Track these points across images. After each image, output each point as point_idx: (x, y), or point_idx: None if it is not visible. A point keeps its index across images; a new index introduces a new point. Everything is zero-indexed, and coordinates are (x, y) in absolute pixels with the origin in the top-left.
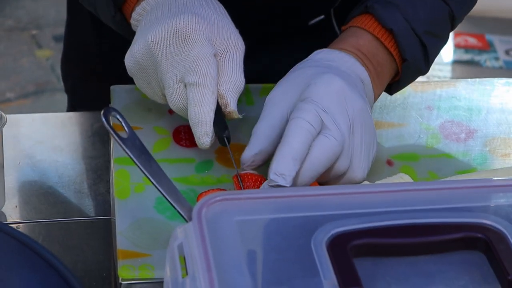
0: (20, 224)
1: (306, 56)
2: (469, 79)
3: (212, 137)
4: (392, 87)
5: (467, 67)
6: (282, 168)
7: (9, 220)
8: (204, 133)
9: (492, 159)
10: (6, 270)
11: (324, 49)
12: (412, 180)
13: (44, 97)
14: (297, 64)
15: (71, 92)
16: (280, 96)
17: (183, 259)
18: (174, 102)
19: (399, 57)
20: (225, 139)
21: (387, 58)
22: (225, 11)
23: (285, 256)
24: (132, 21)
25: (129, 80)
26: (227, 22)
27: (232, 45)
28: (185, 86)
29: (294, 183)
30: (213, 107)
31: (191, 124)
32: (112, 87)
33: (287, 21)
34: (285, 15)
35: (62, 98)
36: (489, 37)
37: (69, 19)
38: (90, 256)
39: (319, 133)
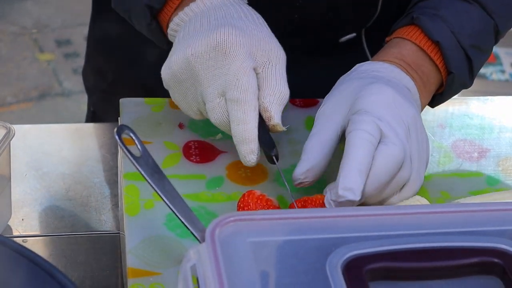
0: (27, 238)
1: (332, 73)
2: (481, 97)
3: (257, 154)
4: (435, 100)
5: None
6: (350, 182)
7: (15, 234)
8: (249, 151)
9: (505, 179)
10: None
11: (367, 62)
12: (428, 203)
13: (46, 101)
14: (342, 77)
15: (91, 104)
16: (330, 110)
17: (196, 280)
18: (216, 117)
19: (445, 70)
20: (274, 157)
21: (432, 69)
22: (264, 22)
23: (299, 279)
24: (169, 31)
25: (153, 94)
26: (267, 33)
27: (274, 56)
28: (226, 100)
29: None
30: (256, 123)
31: (235, 142)
32: (121, 100)
33: (320, 37)
34: (319, 32)
35: (64, 102)
36: (495, 49)
37: (91, 33)
38: (97, 271)
39: (379, 142)
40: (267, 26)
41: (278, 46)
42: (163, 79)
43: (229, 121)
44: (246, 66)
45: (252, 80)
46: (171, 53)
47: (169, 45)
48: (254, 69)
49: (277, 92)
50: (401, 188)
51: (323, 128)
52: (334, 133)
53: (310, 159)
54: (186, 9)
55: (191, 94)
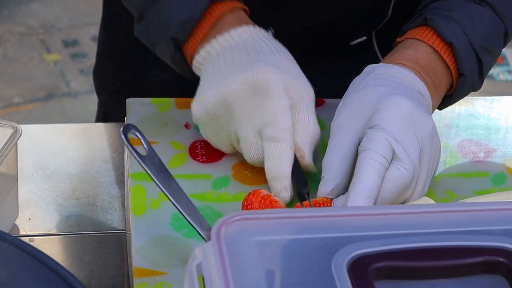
0: (34, 237)
1: (342, 74)
2: (487, 97)
3: (291, 191)
4: (444, 102)
5: None
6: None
7: (22, 233)
8: (283, 188)
9: (511, 179)
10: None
11: (381, 64)
12: (435, 203)
13: (53, 102)
14: (356, 80)
15: (104, 105)
16: (346, 121)
17: (202, 279)
18: (251, 155)
19: (456, 72)
20: (306, 195)
21: (444, 71)
22: (292, 56)
23: (305, 278)
24: (194, 63)
25: (164, 94)
26: (297, 70)
27: (306, 94)
28: (262, 137)
29: None
30: (291, 161)
31: (268, 178)
32: (128, 100)
33: (331, 41)
34: (330, 37)
35: (71, 102)
36: (502, 50)
37: (101, 34)
38: (104, 271)
39: (390, 162)
40: (295, 61)
41: (308, 84)
42: (193, 115)
43: (264, 157)
44: (283, 104)
45: (289, 118)
46: (201, 89)
47: (193, 74)
48: (290, 107)
49: (310, 132)
50: (402, 203)
51: (341, 142)
52: (352, 147)
53: (332, 179)
54: (213, 42)
55: (224, 130)
